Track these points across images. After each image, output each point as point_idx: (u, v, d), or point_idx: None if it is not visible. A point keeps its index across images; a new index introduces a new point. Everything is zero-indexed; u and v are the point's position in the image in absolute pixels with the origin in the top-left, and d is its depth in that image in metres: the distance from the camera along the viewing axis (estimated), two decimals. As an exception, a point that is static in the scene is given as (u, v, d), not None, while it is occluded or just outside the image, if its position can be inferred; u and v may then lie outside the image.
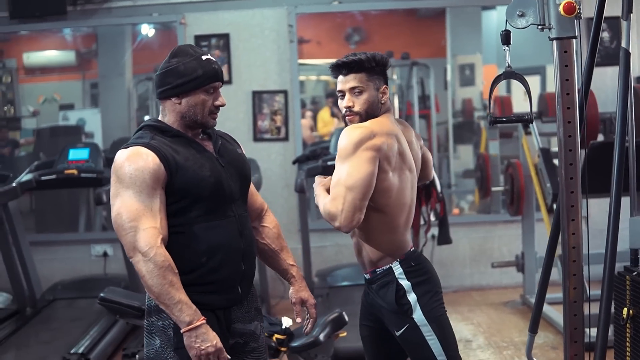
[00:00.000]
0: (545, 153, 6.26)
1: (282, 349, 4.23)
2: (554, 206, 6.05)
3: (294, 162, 6.84)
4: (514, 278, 7.38)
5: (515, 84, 10.81)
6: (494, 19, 10.63)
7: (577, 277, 3.26)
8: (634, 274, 3.40)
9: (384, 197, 3.16)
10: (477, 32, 10.27)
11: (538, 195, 6.32)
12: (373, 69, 3.19)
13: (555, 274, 7.26)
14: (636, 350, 3.35)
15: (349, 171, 3.05)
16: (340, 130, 6.58)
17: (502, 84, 10.89)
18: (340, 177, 3.06)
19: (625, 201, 6.46)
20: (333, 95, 10.72)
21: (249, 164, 3.12)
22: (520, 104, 8.41)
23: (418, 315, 3.19)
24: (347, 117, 3.20)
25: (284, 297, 7.29)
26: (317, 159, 6.41)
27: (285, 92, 7.37)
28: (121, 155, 2.78)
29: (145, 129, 2.89)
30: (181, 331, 2.73)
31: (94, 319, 5.90)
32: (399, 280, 3.21)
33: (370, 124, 3.13)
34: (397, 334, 3.23)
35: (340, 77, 3.20)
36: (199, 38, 7.26)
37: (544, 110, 7.01)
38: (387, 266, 3.22)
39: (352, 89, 3.18)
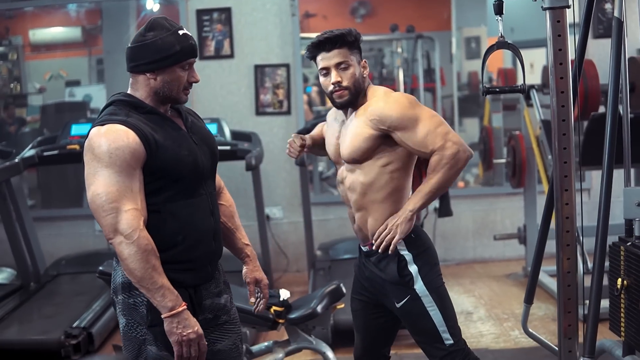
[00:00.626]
0: (547, 125, 6.23)
1: (280, 320, 4.25)
2: (556, 178, 6.04)
3: (295, 136, 6.83)
4: (516, 250, 7.39)
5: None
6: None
7: (570, 247, 3.25)
8: (628, 244, 3.40)
9: (400, 162, 3.21)
10: (482, 5, 10.21)
11: (539, 167, 6.32)
12: (353, 43, 3.19)
13: (555, 246, 7.30)
14: (630, 320, 3.35)
15: (431, 117, 3.16)
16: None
17: (508, 57, 10.93)
18: (431, 124, 3.14)
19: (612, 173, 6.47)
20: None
21: (216, 141, 3.08)
22: (527, 77, 8.39)
23: (419, 286, 3.21)
24: (336, 93, 3.19)
25: (287, 271, 7.33)
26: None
27: (287, 66, 7.36)
28: (97, 133, 2.70)
29: (116, 104, 2.81)
30: (162, 316, 2.70)
31: (97, 294, 5.94)
32: (401, 251, 3.23)
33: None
34: (398, 305, 3.24)
35: (323, 54, 3.19)
36: (200, 12, 7.25)
37: (546, 82, 6.98)
38: None
39: (338, 65, 3.17)
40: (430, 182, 3.16)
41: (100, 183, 2.66)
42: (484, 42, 10.54)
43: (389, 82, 10.94)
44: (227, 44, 7.25)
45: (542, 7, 3.23)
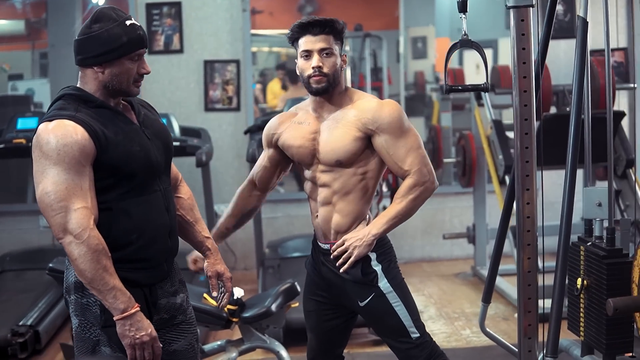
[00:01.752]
0: (498, 125, 6.27)
1: (234, 319, 4.18)
2: (506, 178, 6.08)
3: (245, 132, 6.76)
4: (464, 249, 7.41)
5: (468, 57, 10.91)
6: (448, -9, 10.65)
7: (531, 247, 3.24)
8: (588, 244, 3.40)
9: (376, 170, 3.22)
10: (431, 4, 10.26)
11: (490, 167, 6.34)
12: (339, 33, 3.15)
13: (507, 245, 7.35)
14: (590, 320, 3.36)
15: (417, 136, 3.18)
16: (292, 101, 6.52)
17: (455, 56, 10.97)
18: (414, 142, 3.16)
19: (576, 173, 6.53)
20: (284, 67, 10.63)
21: (170, 134, 2.99)
22: (472, 77, 8.43)
23: (384, 283, 3.19)
24: (314, 78, 3.12)
25: (234, 269, 7.26)
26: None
27: (237, 62, 7.28)
28: (45, 129, 2.59)
29: (65, 98, 2.69)
30: (114, 319, 2.61)
31: (43, 291, 5.79)
32: None
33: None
34: (362, 304, 3.21)
35: (309, 37, 3.12)
36: (150, 6, 7.14)
37: (496, 82, 7.02)
38: None
39: (321, 50, 3.12)
40: (397, 208, 3.17)
41: (48, 181, 2.56)
42: (431, 42, 10.59)
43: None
44: (176, 38, 7.16)
45: (506, 5, 3.21)
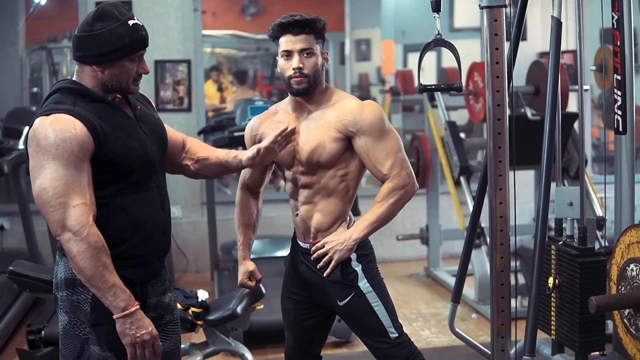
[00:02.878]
0: (452, 126, 6.30)
1: (199, 322, 4.13)
2: (461, 179, 6.11)
3: (199, 133, 6.67)
4: (416, 251, 7.45)
5: (411, 59, 10.96)
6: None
7: (504, 246, 3.26)
8: (560, 243, 3.42)
9: (356, 172, 3.19)
10: (376, 7, 10.28)
11: (444, 168, 6.37)
12: (320, 31, 3.12)
13: (456, 247, 7.40)
14: (562, 319, 3.38)
15: (397, 139, 3.16)
16: (245, 101, 6.48)
17: (399, 58, 11.02)
18: (395, 145, 3.14)
19: (530, 174, 6.59)
20: (217, 69, 10.55)
21: (164, 127, 2.93)
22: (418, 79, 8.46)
23: (363, 283, 3.17)
24: (294, 79, 3.08)
25: (186, 272, 7.19)
26: (223, 130, 6.28)
27: (188, 62, 7.22)
28: (43, 123, 2.53)
29: (62, 92, 2.64)
30: (115, 317, 2.57)
31: (-5, 294, 5.67)
32: None
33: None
34: (341, 304, 3.18)
35: (289, 37, 3.08)
36: (99, 5, 6.99)
37: (444, 83, 7.06)
38: None
39: (302, 50, 3.08)
40: (377, 212, 3.15)
41: (46, 177, 2.50)
42: (375, 44, 10.62)
43: (280, 81, 10.88)
44: (127, 37, 7.03)
45: (479, 5, 3.22)
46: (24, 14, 8.50)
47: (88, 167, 2.56)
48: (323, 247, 3.15)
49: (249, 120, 5.94)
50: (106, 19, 2.60)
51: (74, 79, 2.68)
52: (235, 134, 5.96)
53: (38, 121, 2.55)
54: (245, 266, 3.32)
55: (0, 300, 5.56)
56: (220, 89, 10.51)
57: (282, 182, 8.62)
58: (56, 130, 2.51)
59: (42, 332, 4.75)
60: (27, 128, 6.08)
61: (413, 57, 11.02)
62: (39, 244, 6.30)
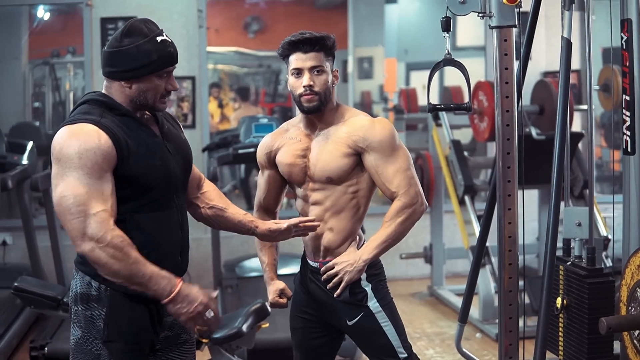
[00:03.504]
0: (457, 145, 6.30)
1: (204, 340, 4.11)
2: (465, 198, 6.11)
3: (203, 150, 6.69)
4: (420, 269, 7.42)
5: (414, 78, 10.99)
6: (396, 13, 10.72)
7: (512, 266, 3.26)
8: (568, 263, 3.41)
9: (367, 188, 3.18)
10: (380, 25, 10.31)
11: (449, 187, 6.37)
12: (330, 49, 3.11)
13: (460, 266, 7.39)
14: (570, 339, 3.36)
15: (407, 156, 3.14)
16: (250, 118, 6.48)
17: (401, 77, 11.04)
18: (404, 163, 3.11)
19: (533, 193, 6.59)
20: (218, 86, 10.56)
21: (191, 148, 2.92)
22: (421, 98, 8.48)
23: (373, 302, 3.16)
24: (304, 97, 3.07)
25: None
26: (227, 147, 6.28)
27: (193, 79, 7.22)
28: (68, 131, 2.53)
29: (91, 103, 2.64)
30: (163, 302, 2.55)
31: (-3, 310, 5.66)
32: None
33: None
34: (350, 323, 3.16)
35: (299, 55, 3.07)
36: (105, 21, 7.03)
37: (449, 102, 7.08)
38: None
39: (312, 68, 3.06)
40: (386, 232, 3.14)
41: (68, 185, 2.48)
42: (378, 62, 10.63)
43: (282, 99, 10.91)
44: (131, 54, 7.04)
45: (489, 25, 3.24)
46: (27, 28, 8.52)
47: (111, 178, 2.54)
48: (333, 267, 3.14)
49: (254, 137, 6.03)
50: (134, 35, 2.59)
51: (103, 91, 2.69)
52: (240, 151, 5.97)
53: (63, 130, 2.54)
54: (276, 285, 3.29)
55: (3, 316, 5.55)
56: (220, 106, 10.52)
57: (284, 200, 8.62)
58: (80, 139, 2.50)
59: (46, 349, 4.76)
60: (31, 143, 6.10)
61: (415, 76, 11.05)
62: (42, 259, 6.28)
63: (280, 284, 3.30)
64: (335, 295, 3.14)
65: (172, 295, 2.54)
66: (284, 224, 3.01)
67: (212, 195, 3.01)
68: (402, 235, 3.16)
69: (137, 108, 2.67)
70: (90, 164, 2.49)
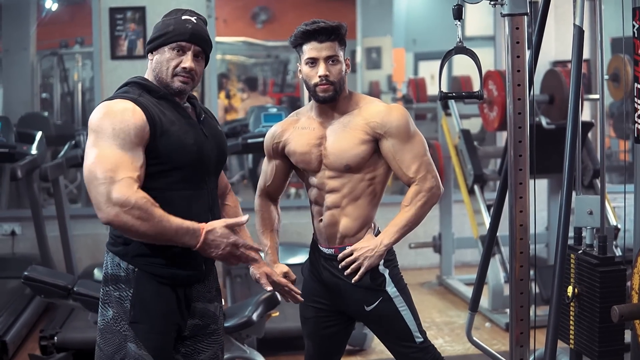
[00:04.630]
0: (466, 134, 6.29)
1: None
2: (475, 187, 6.10)
3: (212, 140, 6.68)
4: (428, 259, 7.42)
5: (422, 68, 10.97)
6: (405, 2, 10.70)
7: (523, 255, 3.25)
8: (579, 252, 3.41)
9: (383, 174, 3.19)
10: (388, 15, 10.30)
11: (458, 176, 6.35)
12: (343, 38, 3.10)
13: (469, 255, 7.39)
14: (581, 328, 3.36)
15: (423, 142, 3.17)
16: (259, 108, 6.49)
17: (410, 66, 11.02)
18: (420, 149, 3.15)
19: (543, 183, 6.57)
20: (225, 76, 10.56)
21: (227, 143, 2.97)
22: (429, 88, 8.45)
23: (391, 287, 3.17)
24: (320, 87, 3.06)
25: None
26: (236, 137, 6.29)
27: (202, 69, 7.20)
28: (104, 107, 2.60)
29: (132, 85, 2.72)
30: (195, 249, 2.57)
31: (6, 300, 5.65)
32: None
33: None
34: (368, 309, 3.17)
35: (314, 44, 3.05)
36: (114, 10, 7.02)
37: (458, 92, 7.05)
38: None
39: (328, 58, 3.05)
40: (406, 216, 3.15)
41: (98, 154, 2.53)
42: (386, 52, 10.62)
43: (291, 89, 10.90)
44: (140, 44, 7.04)
45: (501, 13, 3.21)
46: (35, 19, 8.52)
47: (142, 153, 2.58)
48: (351, 254, 3.14)
49: (263, 127, 6.03)
50: (169, 14, 2.74)
51: (145, 76, 2.77)
52: (249, 140, 5.98)
53: (101, 104, 2.62)
54: (279, 268, 3.29)
55: (13, 305, 5.56)
56: (227, 96, 10.53)
57: (292, 190, 8.61)
58: (116, 113, 2.57)
59: (55, 338, 4.76)
60: (40, 133, 6.11)
61: (424, 65, 11.04)
62: (51, 249, 6.29)
63: (284, 267, 3.29)
64: (353, 281, 3.14)
65: (200, 242, 2.56)
66: (274, 277, 3.03)
67: (230, 211, 3.03)
68: (421, 218, 3.19)
69: (165, 88, 2.71)
70: (123, 135, 2.54)
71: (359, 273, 3.13)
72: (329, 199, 3.16)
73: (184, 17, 2.71)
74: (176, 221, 2.54)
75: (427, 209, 3.18)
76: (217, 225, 2.60)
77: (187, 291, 2.75)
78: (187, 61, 2.69)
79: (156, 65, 2.71)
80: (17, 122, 7.56)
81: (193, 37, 2.70)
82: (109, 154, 2.52)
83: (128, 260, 2.69)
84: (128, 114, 2.56)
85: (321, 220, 3.20)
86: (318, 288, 3.28)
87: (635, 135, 3.39)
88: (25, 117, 7.85)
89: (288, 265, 3.33)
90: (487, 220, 5.91)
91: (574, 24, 3.26)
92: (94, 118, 2.59)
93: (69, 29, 8.89)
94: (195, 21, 2.73)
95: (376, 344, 5.06)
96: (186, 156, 2.67)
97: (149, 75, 2.75)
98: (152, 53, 2.73)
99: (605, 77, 6.32)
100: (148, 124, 2.58)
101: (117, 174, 2.49)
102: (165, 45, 2.68)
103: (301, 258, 5.35)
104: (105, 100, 2.65)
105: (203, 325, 2.83)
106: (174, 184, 2.67)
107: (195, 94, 7.03)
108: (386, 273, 3.18)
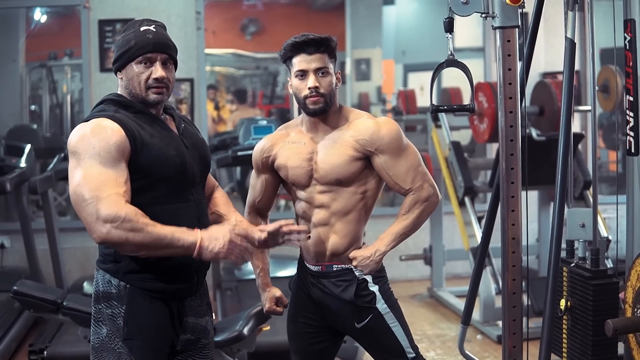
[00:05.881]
0: (457, 146, 6.28)
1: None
2: (465, 199, 6.09)
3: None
4: (419, 271, 7.41)
5: (412, 79, 10.97)
6: (394, 14, 10.70)
7: (516, 268, 3.24)
8: (572, 265, 3.40)
9: (375, 189, 3.16)
10: (378, 26, 10.29)
11: (449, 188, 6.34)
12: (333, 51, 3.08)
13: (460, 267, 7.38)
14: (574, 341, 3.34)
15: (416, 153, 3.16)
16: (249, 120, 6.48)
17: (399, 78, 11.01)
18: (414, 160, 3.13)
19: (533, 194, 6.56)
20: (214, 87, 10.53)
21: (209, 150, 2.95)
22: (418, 99, 8.47)
23: (381, 304, 3.15)
24: (310, 99, 3.04)
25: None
26: (226, 149, 6.27)
27: (191, 81, 7.21)
28: (81, 127, 2.59)
29: (107, 102, 2.70)
30: (194, 256, 2.52)
31: (-6, 314, 5.63)
32: (360, 275, 3.16)
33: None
34: (359, 325, 3.15)
35: (303, 56, 3.03)
36: (103, 23, 7.02)
37: (447, 104, 7.08)
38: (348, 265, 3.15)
39: (317, 70, 3.03)
40: (403, 224, 3.14)
41: (82, 175, 2.52)
42: (376, 63, 10.61)
43: (280, 100, 10.88)
44: (129, 57, 7.01)
45: (492, 26, 3.21)
46: (24, 31, 8.49)
47: (126, 168, 2.56)
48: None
49: (253, 139, 6.01)
50: (128, 29, 2.72)
51: (118, 92, 2.75)
52: (239, 153, 5.96)
53: (79, 127, 2.61)
54: (272, 292, 3.28)
55: (2, 319, 5.53)
56: (216, 108, 10.50)
57: (282, 202, 8.59)
58: (94, 131, 2.56)
59: (45, 352, 4.73)
60: (29, 146, 6.07)
61: (413, 77, 11.04)
62: (40, 263, 6.26)
63: (277, 292, 3.28)
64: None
65: (198, 246, 2.52)
66: (268, 229, 2.83)
67: (218, 201, 3.02)
68: (417, 227, 3.18)
69: (141, 102, 2.69)
70: (104, 153, 2.52)
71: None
72: (318, 215, 3.13)
73: (142, 29, 2.69)
74: (167, 227, 2.51)
75: (424, 217, 3.16)
76: (213, 231, 2.58)
77: (180, 305, 2.74)
78: (157, 71, 2.67)
79: (127, 82, 2.68)
80: (5, 134, 7.54)
81: (157, 46, 2.68)
82: (92, 173, 2.50)
83: (120, 277, 2.67)
84: (107, 132, 2.55)
85: (309, 237, 3.15)
86: (307, 304, 3.25)
87: (627, 147, 3.39)
88: (14, 129, 7.83)
89: (279, 278, 3.32)
90: (477, 232, 5.90)
91: (566, 36, 3.26)
92: (73, 140, 2.58)
93: (58, 40, 8.84)
94: (154, 29, 2.71)
95: (367, 357, 5.03)
96: (169, 168, 2.65)
97: (121, 91, 2.73)
98: (120, 72, 2.70)
99: (595, 88, 6.32)
100: (128, 139, 2.57)
101: (102, 192, 2.47)
102: (132, 60, 2.66)
103: (291, 271, 5.33)
104: (82, 121, 2.63)
105: (195, 339, 2.82)
106: (159, 197, 2.65)
107: (184, 106, 7.07)
108: (376, 289, 3.15)
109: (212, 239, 2.54)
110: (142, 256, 2.58)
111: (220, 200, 3.03)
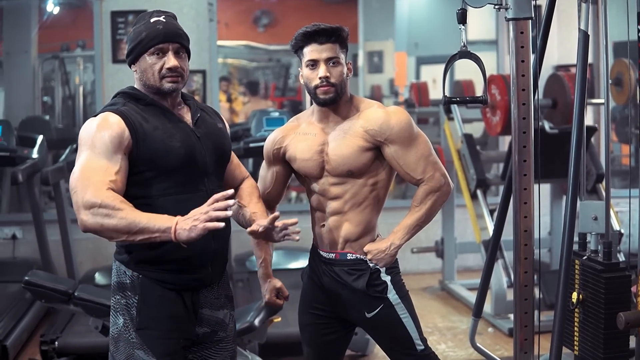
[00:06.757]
0: (469, 139, 6.27)
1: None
2: (478, 192, 6.08)
3: (214, 144, 6.67)
4: (431, 264, 7.40)
5: (424, 72, 10.95)
6: (407, 6, 10.68)
7: (528, 260, 3.22)
8: (584, 258, 3.38)
9: (386, 179, 3.15)
10: (390, 19, 10.27)
11: (461, 181, 6.33)
12: (344, 40, 3.07)
13: (471, 260, 7.37)
14: (585, 334, 3.34)
15: (427, 142, 3.13)
16: (261, 112, 6.46)
17: (411, 70, 10.99)
18: (425, 149, 3.10)
19: (545, 187, 6.55)
20: (227, 79, 10.54)
21: (229, 139, 2.93)
22: (430, 92, 8.44)
23: (392, 294, 3.14)
24: (321, 88, 3.02)
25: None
26: (238, 141, 6.26)
27: (203, 72, 7.20)
28: (89, 122, 2.64)
29: (120, 95, 2.75)
30: (172, 238, 2.43)
31: (6, 305, 5.63)
32: (373, 264, 3.15)
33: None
34: (369, 315, 3.14)
35: (314, 46, 3.02)
36: (115, 14, 7.02)
37: (460, 96, 7.05)
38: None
39: (328, 60, 3.02)
40: (416, 216, 3.12)
41: (78, 167, 2.56)
42: (388, 56, 10.60)
43: (292, 92, 10.88)
44: (141, 47, 7.02)
45: (505, 17, 3.19)
46: (36, 22, 8.50)
47: (123, 161, 2.59)
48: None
49: (265, 131, 6.00)
50: (138, 21, 2.73)
51: (134, 85, 2.79)
52: (251, 145, 5.94)
53: (87, 121, 2.66)
54: (272, 283, 3.29)
55: (13, 309, 5.54)
56: (229, 100, 10.50)
57: (293, 194, 8.59)
58: (99, 126, 2.61)
59: (56, 343, 4.74)
60: (41, 137, 6.08)
61: (426, 69, 11.02)
62: (51, 253, 6.27)
63: (277, 283, 3.29)
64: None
65: (173, 230, 2.43)
66: (262, 223, 2.78)
67: (243, 192, 3.01)
68: (431, 217, 3.16)
69: (156, 93, 2.71)
70: (99, 144, 2.57)
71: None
72: (332, 205, 3.13)
73: (152, 20, 2.70)
74: (145, 214, 2.48)
75: (437, 207, 3.15)
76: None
77: (194, 297, 2.74)
78: (170, 61, 2.68)
79: (141, 74, 2.70)
80: (18, 125, 7.55)
81: (168, 36, 2.69)
82: (86, 165, 2.55)
83: (132, 268, 2.69)
84: (105, 124, 2.60)
85: (323, 225, 3.16)
86: (318, 294, 3.25)
87: (641, 140, 3.37)
88: (26, 120, 7.85)
89: (288, 270, 3.31)
90: (489, 224, 5.89)
91: (579, 28, 3.24)
92: (79, 134, 2.64)
93: (71, 32, 8.86)
94: (164, 20, 2.72)
95: (378, 349, 5.03)
96: (173, 160, 2.65)
97: (137, 85, 2.76)
98: (134, 64, 2.73)
99: (609, 81, 6.29)
100: (127, 131, 2.60)
101: (89, 180, 2.51)
102: (144, 52, 2.68)
103: (302, 263, 5.33)
104: (92, 116, 2.68)
105: (210, 332, 2.82)
106: (166, 189, 2.66)
107: (197, 97, 7.06)
108: (388, 279, 3.15)
109: (186, 219, 2.47)
110: (126, 242, 2.59)
111: (245, 191, 3.01)
